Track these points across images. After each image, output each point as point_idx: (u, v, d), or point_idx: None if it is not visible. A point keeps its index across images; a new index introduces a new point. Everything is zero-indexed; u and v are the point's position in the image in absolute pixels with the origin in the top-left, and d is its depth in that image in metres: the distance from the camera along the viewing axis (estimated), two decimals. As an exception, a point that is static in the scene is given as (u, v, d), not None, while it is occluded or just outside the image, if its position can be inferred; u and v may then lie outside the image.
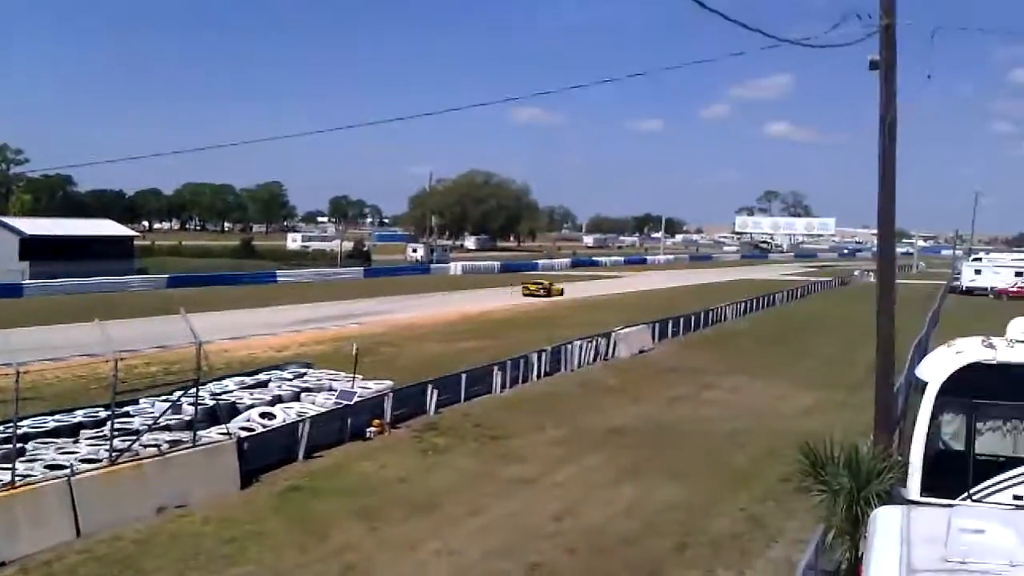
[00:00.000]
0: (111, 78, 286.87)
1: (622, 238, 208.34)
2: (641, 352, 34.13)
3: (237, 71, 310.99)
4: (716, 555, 13.42)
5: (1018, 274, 72.46)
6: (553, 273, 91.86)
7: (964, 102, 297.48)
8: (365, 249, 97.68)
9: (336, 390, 21.55)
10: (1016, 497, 11.38)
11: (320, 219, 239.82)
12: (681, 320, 40.87)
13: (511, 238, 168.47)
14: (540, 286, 61.39)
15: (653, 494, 16.39)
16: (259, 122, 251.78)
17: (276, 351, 31.76)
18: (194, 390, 16.83)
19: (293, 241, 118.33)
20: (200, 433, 16.69)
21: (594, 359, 31.22)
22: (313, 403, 20.80)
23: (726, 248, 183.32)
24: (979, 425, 11.78)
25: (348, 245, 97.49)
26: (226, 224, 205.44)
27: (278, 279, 69.99)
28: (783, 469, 15.71)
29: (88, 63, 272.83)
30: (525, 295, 59.19)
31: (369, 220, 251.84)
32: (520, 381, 26.59)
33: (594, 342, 31.68)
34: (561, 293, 60.98)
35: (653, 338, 36.55)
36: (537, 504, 15.72)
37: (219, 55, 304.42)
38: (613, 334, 33.30)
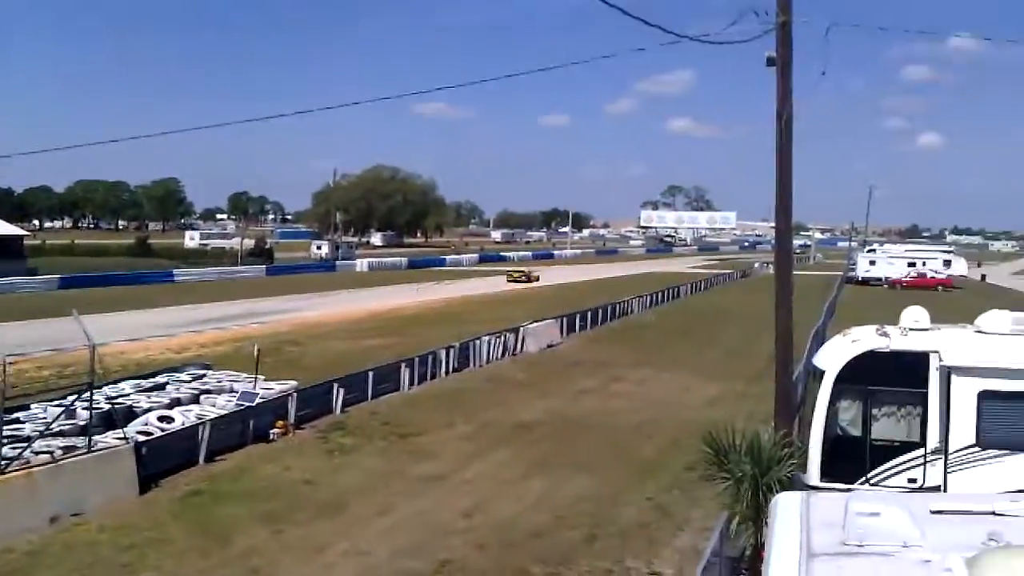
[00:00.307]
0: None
1: (530, 233, 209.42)
2: (550, 346, 34.31)
3: (134, 66, 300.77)
4: (625, 545, 13.55)
5: (911, 264, 75.83)
6: (461, 269, 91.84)
7: (859, 98, 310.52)
8: (267, 247, 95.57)
9: (237, 391, 21.01)
10: (911, 480, 11.81)
11: (219, 216, 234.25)
12: (589, 314, 41.25)
13: (418, 234, 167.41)
14: (522, 273, 71.66)
15: (562, 487, 16.46)
16: (155, 118, 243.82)
17: (175, 352, 30.77)
18: (88, 394, 16.14)
19: (191, 239, 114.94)
20: (95, 438, 16.06)
21: (502, 354, 31.23)
22: (214, 405, 20.23)
23: (632, 242, 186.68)
24: (875, 411, 12.17)
25: (249, 243, 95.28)
26: (121, 222, 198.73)
27: (176, 278, 67.85)
28: (688, 458, 15.98)
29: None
30: (509, 281, 68.84)
31: (271, 217, 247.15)
32: (428, 378, 26.39)
33: (502, 337, 31.69)
34: (538, 279, 70.55)
35: (561, 332, 36.79)
36: (446, 501, 15.61)
37: (112, 50, 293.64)
38: (521, 329, 33.38)
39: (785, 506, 6.81)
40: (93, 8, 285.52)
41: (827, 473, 11.97)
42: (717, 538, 10.54)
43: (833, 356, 12.71)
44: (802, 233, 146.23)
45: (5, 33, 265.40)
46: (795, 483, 11.15)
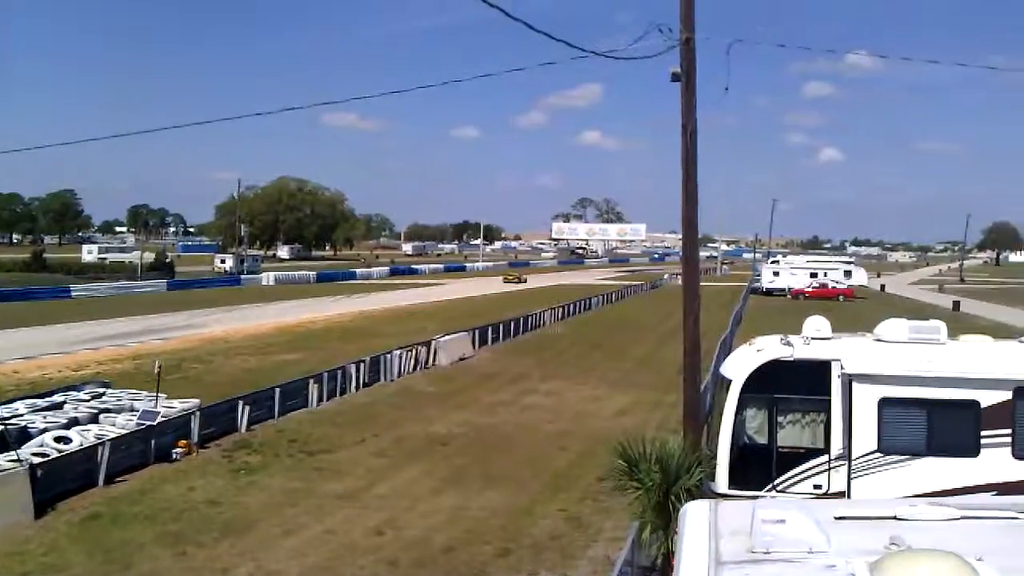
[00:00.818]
0: None
1: (441, 246, 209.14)
2: (462, 359, 34.18)
3: (27, 73, 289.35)
4: (538, 557, 13.52)
5: (812, 275, 78.29)
6: (372, 282, 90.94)
7: (763, 113, 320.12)
8: (168, 260, 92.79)
9: (138, 410, 20.26)
10: (816, 486, 12.10)
11: (119, 229, 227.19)
12: (501, 326, 41.30)
13: (327, 247, 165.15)
14: (516, 277, 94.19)
15: (475, 501, 16.35)
16: (50, 128, 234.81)
17: (72, 371, 29.56)
18: (-23, 416, 15.35)
19: (89, 253, 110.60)
20: (-15, 462, 15.25)
21: (414, 368, 30.96)
22: (113, 425, 19.52)
23: (544, 254, 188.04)
24: (780, 419, 12.44)
25: (149, 256, 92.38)
26: (14, 236, 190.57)
27: (73, 294, 65.24)
28: (601, 469, 16.06)
29: None
30: (506, 282, 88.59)
31: (172, 230, 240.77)
32: (338, 393, 25.95)
33: (414, 351, 31.42)
34: (526, 281, 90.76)
35: (474, 345, 36.69)
36: (357, 519, 15.32)
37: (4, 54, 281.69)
38: (433, 342, 33.16)
39: (694, 514, 6.88)
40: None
41: (735, 481, 12.17)
42: (629, 548, 10.61)
43: (739, 365, 12.95)
44: (709, 245, 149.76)
45: None
46: (704, 491, 11.30)
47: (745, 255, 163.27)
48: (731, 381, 12.69)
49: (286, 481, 17.49)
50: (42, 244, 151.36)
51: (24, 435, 18.21)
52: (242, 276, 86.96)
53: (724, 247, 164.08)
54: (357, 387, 27.05)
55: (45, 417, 19.79)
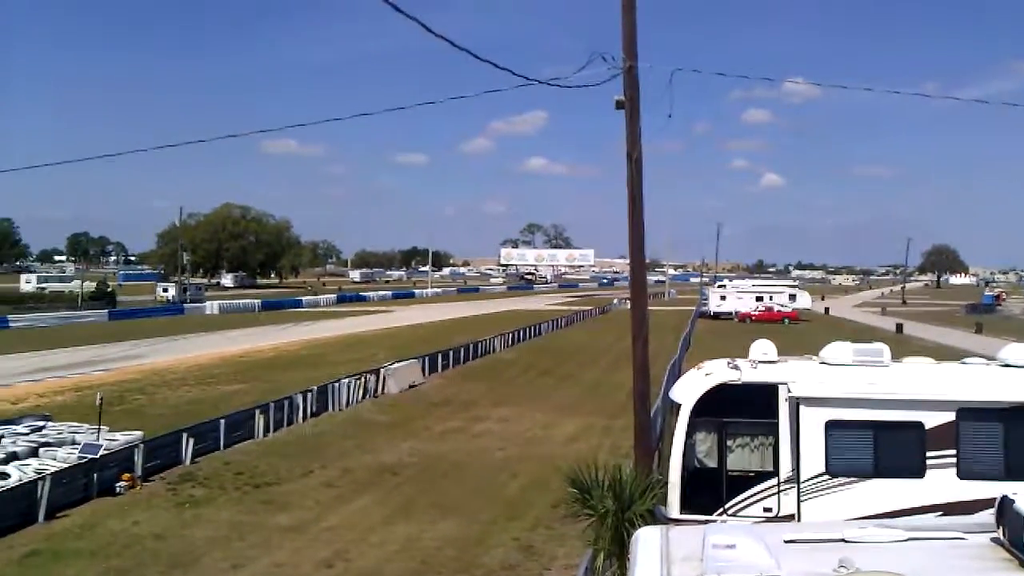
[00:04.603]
0: None
1: (389, 273, 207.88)
2: (412, 387, 33.95)
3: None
4: (491, 588, 13.40)
5: (758, 299, 79.47)
6: (319, 310, 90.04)
7: (706, 139, 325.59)
8: (109, 289, 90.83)
9: (80, 443, 19.76)
10: (766, 509, 12.20)
11: (58, 258, 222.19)
12: (451, 353, 41.16)
13: (272, 275, 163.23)
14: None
15: (428, 531, 16.19)
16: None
17: (11, 403, 28.70)
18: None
19: (27, 282, 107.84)
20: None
21: (363, 396, 30.65)
22: (54, 459, 19.02)
23: (493, 280, 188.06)
24: (730, 443, 12.54)
25: (90, 285, 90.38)
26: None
27: (10, 324, 63.54)
28: (553, 496, 16.05)
29: None
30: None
31: (113, 258, 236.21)
32: (285, 424, 25.56)
33: (363, 379, 31.13)
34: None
35: (424, 372, 36.48)
36: (306, 552, 15.05)
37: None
38: (382, 370, 32.91)
39: (646, 540, 6.92)
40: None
41: (687, 505, 12.23)
42: (583, 575, 10.57)
43: (688, 389, 13.05)
44: (657, 269, 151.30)
45: None
46: (657, 517, 11.34)
47: (692, 279, 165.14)
48: (680, 405, 12.78)
49: (233, 514, 17.14)
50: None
51: (-41, 472, 17.66)
52: (185, 305, 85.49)
53: (672, 272, 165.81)
54: (304, 417, 26.67)
55: (-19, 452, 19.23)
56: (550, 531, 15.75)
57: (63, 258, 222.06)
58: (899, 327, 65.77)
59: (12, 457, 19.09)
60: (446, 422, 27.24)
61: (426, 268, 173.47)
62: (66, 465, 18.25)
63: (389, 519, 16.97)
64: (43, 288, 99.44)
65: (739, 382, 12.63)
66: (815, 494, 12.14)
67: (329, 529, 16.34)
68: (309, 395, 27.34)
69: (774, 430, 12.39)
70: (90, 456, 18.53)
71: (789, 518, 11.93)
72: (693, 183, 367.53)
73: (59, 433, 21.37)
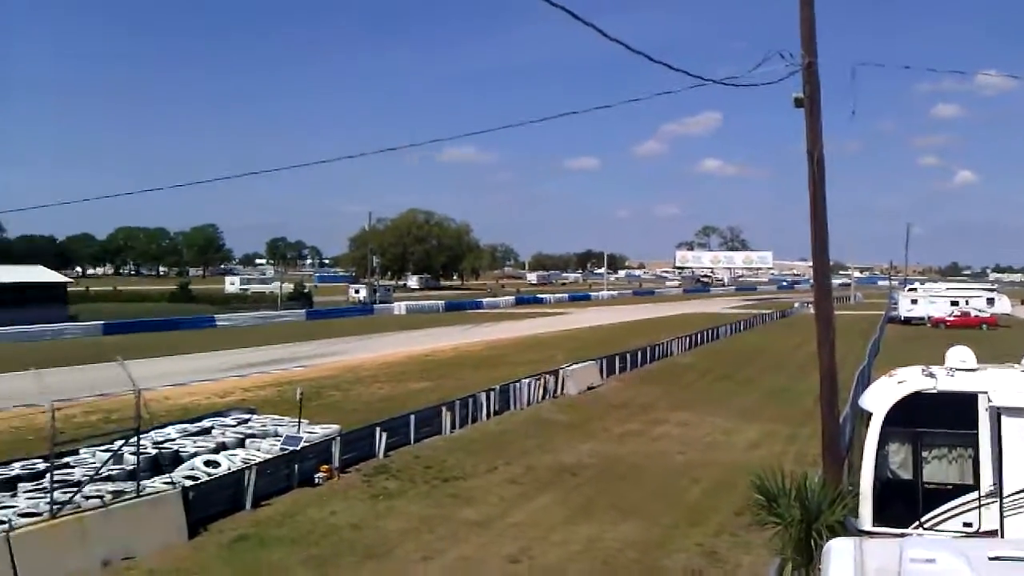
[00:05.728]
0: (34, 120, 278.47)
1: (565, 275, 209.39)
2: (590, 388, 34.20)
3: (172, 113, 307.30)
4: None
5: (953, 303, 74.58)
6: (499, 311, 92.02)
7: (892, 136, 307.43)
8: (306, 291, 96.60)
9: (282, 436, 21.09)
10: (966, 524, 11.60)
11: (258, 261, 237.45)
12: (628, 356, 41.09)
13: (454, 277, 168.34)
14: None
15: (609, 532, 16.31)
16: (192, 165, 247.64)
17: (219, 397, 31.12)
18: (135, 439, 16.37)
19: (231, 284, 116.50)
20: (143, 483, 16.20)
21: (543, 397, 31.18)
22: (258, 450, 20.30)
23: (668, 283, 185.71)
24: (925, 454, 12.00)
25: (288, 287, 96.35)
26: (161, 268, 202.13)
27: (217, 323, 68.76)
28: (736, 502, 15.82)
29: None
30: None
31: (308, 261, 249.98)
32: (470, 421, 26.42)
33: (542, 380, 31.66)
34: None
35: (601, 374, 36.66)
36: (492, 546, 15.54)
37: (147, 95, 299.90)
38: (561, 371, 33.34)
39: (839, 552, 6.79)
40: (128, 56, 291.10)
41: (879, 517, 11.80)
42: (770, 584, 10.44)
43: (879, 398, 12.59)
44: (841, 272, 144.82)
45: (41, 82, 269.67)
46: (847, 528, 11.03)
47: (879, 282, 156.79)
48: (871, 414, 12.35)
49: (422, 507, 17.90)
50: (187, 276, 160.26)
51: (176, 459, 19.19)
52: (375, 305, 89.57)
53: (856, 274, 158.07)
54: (488, 415, 27.47)
55: (195, 442, 20.80)
56: (735, 538, 15.52)
57: (263, 261, 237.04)
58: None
59: (221, 447, 20.49)
60: (625, 424, 27.28)
61: (601, 270, 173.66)
62: (270, 456, 19.45)
63: (571, 518, 17.21)
64: (246, 290, 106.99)
65: (935, 390, 12.08)
66: (1021, 510, 11.44)
67: (514, 525, 16.76)
68: (492, 394, 28.12)
69: (973, 441, 11.78)
70: (292, 448, 19.75)
71: (992, 534, 11.29)
72: (878, 182, 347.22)
73: (263, 425, 22.82)
